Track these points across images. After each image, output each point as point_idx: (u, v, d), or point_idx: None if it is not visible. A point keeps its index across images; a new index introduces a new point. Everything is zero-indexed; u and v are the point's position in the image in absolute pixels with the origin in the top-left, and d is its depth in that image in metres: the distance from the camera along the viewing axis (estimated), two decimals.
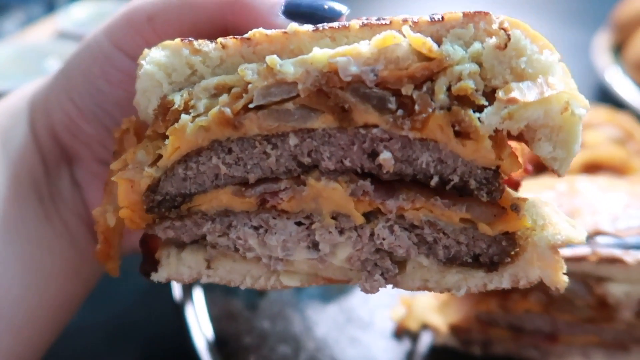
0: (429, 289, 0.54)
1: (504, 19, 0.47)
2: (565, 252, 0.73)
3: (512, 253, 0.51)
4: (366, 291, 0.54)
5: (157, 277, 0.59)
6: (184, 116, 0.51)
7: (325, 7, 0.56)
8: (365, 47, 0.47)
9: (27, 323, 0.63)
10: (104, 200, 0.58)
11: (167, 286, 0.96)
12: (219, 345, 0.87)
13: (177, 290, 0.92)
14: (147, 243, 0.59)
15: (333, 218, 0.52)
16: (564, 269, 0.50)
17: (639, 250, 0.71)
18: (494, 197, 0.49)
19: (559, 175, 0.47)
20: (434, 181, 0.49)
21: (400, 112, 0.47)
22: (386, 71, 0.47)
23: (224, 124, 0.50)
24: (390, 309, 0.96)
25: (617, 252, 0.71)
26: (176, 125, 0.51)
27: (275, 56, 0.49)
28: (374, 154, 0.49)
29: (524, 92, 0.45)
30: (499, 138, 0.46)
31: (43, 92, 0.66)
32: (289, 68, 0.49)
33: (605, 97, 1.62)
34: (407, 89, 0.47)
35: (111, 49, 0.61)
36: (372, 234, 0.52)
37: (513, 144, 0.51)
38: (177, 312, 0.89)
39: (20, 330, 0.62)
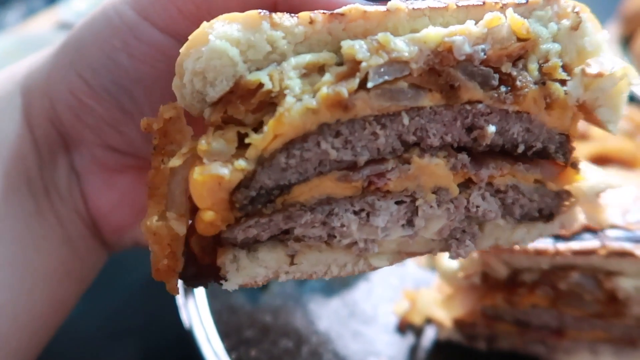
0: (499, 246, 0.59)
1: (574, 4, 0.53)
2: (574, 245, 0.71)
3: (567, 204, 0.59)
4: (458, 256, 0.57)
5: (229, 285, 0.52)
6: (289, 99, 0.46)
7: None
8: (475, 27, 0.50)
9: (13, 330, 0.58)
10: (153, 207, 0.49)
11: None
12: (220, 338, 0.86)
13: (179, 285, 0.90)
14: (191, 246, 0.51)
15: (433, 193, 0.53)
16: (606, 210, 0.61)
17: None
18: (567, 158, 0.56)
19: (613, 134, 0.55)
20: (520, 149, 0.54)
21: (503, 88, 0.51)
22: (492, 50, 0.50)
23: (336, 105, 0.47)
24: (393, 303, 0.94)
25: (628, 246, 0.69)
26: (280, 108, 0.46)
27: (388, 35, 0.48)
28: (472, 128, 0.52)
29: (603, 67, 0.51)
30: (576, 107, 0.53)
31: (42, 71, 0.60)
32: (403, 46, 0.48)
33: None
34: (506, 67, 0.51)
35: (136, 19, 0.55)
36: (467, 203, 0.55)
37: None
38: (177, 306, 0.88)
39: (6, 339, 0.58)
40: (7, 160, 0.59)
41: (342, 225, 0.52)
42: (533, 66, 0.52)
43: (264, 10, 0.48)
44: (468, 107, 0.51)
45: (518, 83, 0.51)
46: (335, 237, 0.53)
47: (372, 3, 0.50)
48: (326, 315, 0.93)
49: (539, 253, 0.71)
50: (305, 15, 0.49)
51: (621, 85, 0.52)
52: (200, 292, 0.91)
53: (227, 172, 0.46)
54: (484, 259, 0.75)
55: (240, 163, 0.47)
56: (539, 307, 0.77)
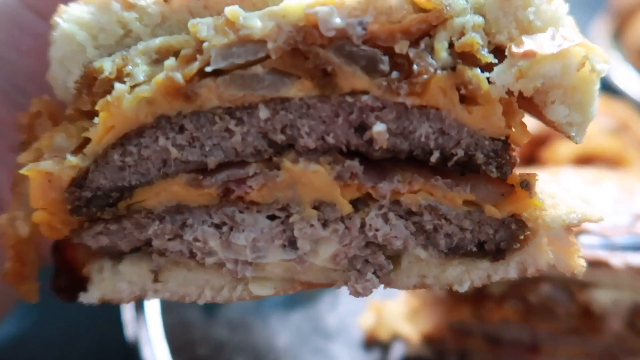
0: (427, 286, 0.47)
1: None
2: None
3: (521, 237, 0.44)
4: (357, 294, 0.46)
5: (87, 298, 0.47)
6: (118, 85, 0.41)
7: None
8: None
9: None
10: (13, 205, 0.45)
11: None
12: (172, 356, 0.80)
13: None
14: (62, 252, 0.47)
15: (315, 208, 0.44)
16: (580, 251, 0.44)
17: (627, 252, 0.63)
18: (505, 172, 0.42)
19: (576, 142, 0.42)
20: (434, 157, 0.42)
21: (394, 74, 0.39)
22: (376, 24, 0.39)
23: (173, 94, 0.40)
24: (359, 316, 0.88)
25: (603, 254, 0.63)
26: (108, 97, 0.41)
27: (237, 6, 0.40)
28: (362, 128, 0.41)
29: (540, 44, 0.39)
30: (509, 102, 0.40)
31: None
32: (255, 22, 0.40)
33: (603, 84, 1.54)
34: (401, 46, 0.39)
35: (20, 9, 0.52)
36: (362, 225, 0.44)
37: None
38: (127, 321, 0.83)
39: None
40: None
41: (197, 240, 0.45)
42: (440, 46, 0.40)
43: None
44: (350, 98, 0.40)
45: (415, 67, 0.39)
46: (195, 253, 0.45)
47: None
48: (287, 330, 0.87)
49: None
50: None
51: (583, 72, 0.38)
52: (153, 305, 0.86)
53: (57, 168, 0.42)
54: None
55: (73, 159, 0.42)
56: (510, 321, 0.71)
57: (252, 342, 0.85)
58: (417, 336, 0.80)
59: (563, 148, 1.08)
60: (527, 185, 0.43)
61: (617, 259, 0.62)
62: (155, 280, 0.48)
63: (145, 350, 0.80)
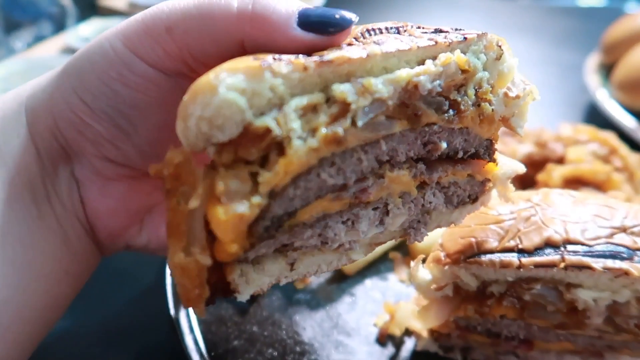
0: (441, 227, 0.72)
1: (497, 38, 0.66)
2: (536, 259, 0.76)
3: (487, 187, 0.73)
4: (416, 240, 0.69)
5: (242, 297, 0.59)
6: (296, 142, 0.53)
7: (337, 16, 0.58)
8: (433, 67, 0.60)
9: (14, 324, 0.63)
10: (177, 243, 0.53)
11: (159, 290, 1.00)
12: (208, 348, 0.90)
13: (170, 295, 0.96)
14: (217, 274, 0.55)
15: (400, 197, 0.65)
16: (513, 189, 0.75)
17: (605, 259, 0.74)
18: (491, 156, 0.71)
19: (520, 135, 0.72)
20: (460, 154, 0.68)
21: (451, 111, 0.63)
22: (444, 83, 0.62)
23: (332, 142, 0.55)
24: (375, 316, 0.99)
25: (586, 260, 0.74)
26: (289, 152, 0.52)
27: (371, 79, 0.56)
28: (427, 144, 0.64)
29: (520, 89, 0.68)
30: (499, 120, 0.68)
31: (45, 91, 0.66)
32: (383, 87, 0.57)
33: (597, 116, 1.66)
34: (454, 95, 0.63)
35: (128, 55, 0.62)
36: (423, 199, 0.67)
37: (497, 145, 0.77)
38: (169, 317, 0.92)
39: (7, 331, 0.63)
40: (12, 170, 0.64)
41: (335, 235, 0.61)
42: (471, 92, 0.65)
43: (263, 60, 0.53)
44: (426, 129, 0.63)
45: (462, 107, 0.64)
46: (327, 243, 0.62)
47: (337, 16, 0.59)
48: (310, 327, 0.97)
49: (504, 266, 0.76)
50: (299, 62, 0.54)
51: (527, 102, 0.69)
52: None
53: (247, 209, 0.52)
54: (454, 272, 0.80)
55: (256, 199, 0.52)
56: (507, 318, 0.81)
57: (280, 336, 0.94)
58: (426, 332, 0.91)
59: (557, 171, 1.20)
60: (494, 160, 0.72)
61: (598, 264, 0.74)
62: (292, 269, 0.62)
63: (187, 339, 0.90)
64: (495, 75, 0.67)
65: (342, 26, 0.58)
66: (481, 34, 0.65)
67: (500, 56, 0.66)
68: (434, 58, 0.61)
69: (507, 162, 0.75)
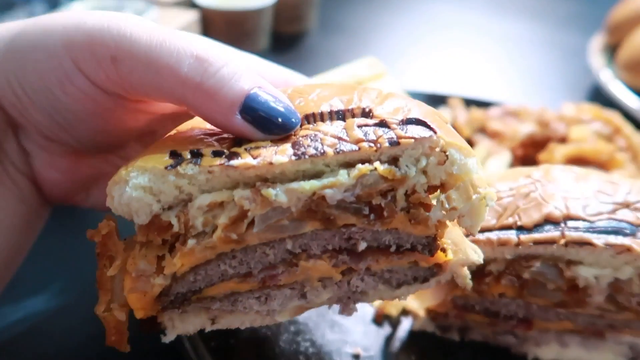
0: (384, 299, 0.71)
1: (443, 143, 0.59)
2: (536, 236, 0.74)
3: (439, 272, 0.69)
4: (344, 314, 0.70)
5: (167, 339, 0.66)
6: (190, 241, 0.58)
7: (279, 120, 0.58)
8: (345, 178, 0.57)
9: None
10: (103, 296, 0.62)
11: None
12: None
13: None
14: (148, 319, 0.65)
15: (319, 280, 0.65)
16: (469, 275, 0.70)
17: (608, 235, 0.72)
18: (432, 253, 0.65)
19: (473, 235, 0.69)
20: (392, 248, 0.64)
21: (372, 216, 0.60)
22: (361, 192, 0.58)
23: (228, 242, 0.58)
24: None
25: (587, 236, 0.72)
26: (184, 249, 0.58)
27: (270, 189, 0.56)
28: (350, 239, 0.62)
29: (458, 200, 0.60)
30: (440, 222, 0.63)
31: None
32: (282, 198, 0.56)
33: (600, 98, 1.63)
34: (376, 200, 0.59)
35: (71, 67, 0.60)
36: (348, 283, 0.66)
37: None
38: None
39: None
40: None
41: (245, 307, 0.65)
42: (400, 197, 0.60)
43: (171, 163, 0.56)
44: (344, 229, 0.61)
45: (385, 213, 0.60)
46: (241, 310, 0.66)
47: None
48: None
49: (503, 243, 0.74)
50: (205, 166, 0.56)
51: (480, 205, 0.61)
52: None
53: (149, 287, 0.60)
54: None
55: (159, 280, 0.59)
56: (506, 296, 0.80)
57: None
58: (423, 312, 0.89)
59: (559, 151, 1.17)
60: (444, 250, 0.67)
61: (600, 240, 0.71)
62: (212, 322, 0.67)
63: None
64: (441, 175, 0.60)
65: (283, 130, 0.58)
66: (421, 138, 0.58)
67: (444, 161, 0.59)
68: (363, 162, 0.58)
69: (465, 246, 0.69)
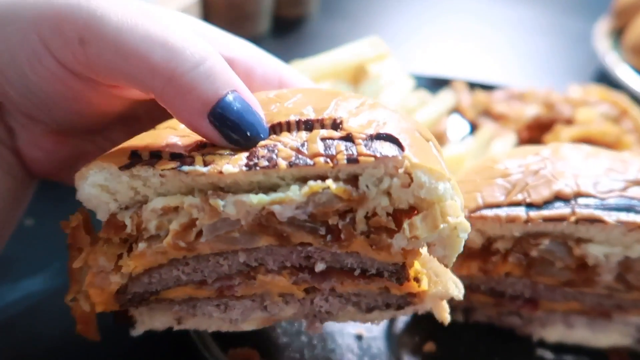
0: (355, 321, 0.68)
1: (407, 164, 0.53)
2: (545, 212, 0.73)
3: (414, 301, 0.65)
4: (310, 332, 0.68)
5: (136, 332, 0.67)
6: (141, 245, 0.58)
7: (247, 133, 0.56)
8: (296, 195, 0.54)
9: None
10: (73, 286, 0.62)
11: None
12: None
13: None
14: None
15: (280, 296, 0.63)
16: (448, 310, 0.67)
17: (619, 212, 0.70)
18: (401, 282, 0.61)
19: (448, 268, 0.62)
20: (356, 272, 0.61)
21: (329, 237, 0.57)
22: (315, 210, 0.55)
23: (178, 249, 0.58)
24: None
25: (598, 213, 0.70)
26: (135, 251, 0.58)
27: (218, 200, 0.54)
28: (308, 259, 0.60)
29: (423, 229, 0.55)
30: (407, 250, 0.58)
31: None
32: (231, 209, 0.54)
33: (606, 82, 1.61)
34: (333, 220, 0.56)
35: (39, 46, 0.57)
36: (312, 302, 0.64)
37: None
38: None
39: None
40: None
41: (204, 313, 0.65)
42: (360, 220, 0.56)
43: (127, 163, 0.56)
44: (300, 247, 0.59)
45: (342, 236, 0.56)
46: (202, 315, 0.66)
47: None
48: None
49: (511, 220, 0.73)
50: (158, 169, 0.55)
51: (451, 236, 0.55)
52: None
53: (107, 284, 0.60)
54: None
55: (115, 279, 0.60)
56: (512, 275, 0.78)
57: None
58: None
59: (565, 133, 1.15)
60: (417, 280, 0.63)
61: (611, 217, 0.70)
62: (178, 323, 0.67)
63: None
64: (409, 199, 0.55)
65: (248, 143, 0.56)
66: (384, 157, 0.53)
67: (409, 184, 0.54)
68: (320, 178, 0.54)
69: (446, 278, 0.65)
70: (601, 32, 1.75)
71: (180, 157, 0.55)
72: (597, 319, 0.83)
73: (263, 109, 0.59)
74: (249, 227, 0.56)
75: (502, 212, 0.74)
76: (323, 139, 0.55)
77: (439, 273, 0.65)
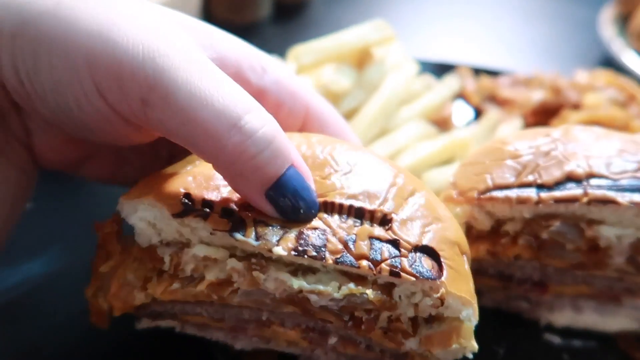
0: None
1: (443, 292, 0.56)
2: (557, 194, 0.71)
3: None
4: None
5: (140, 326, 0.70)
6: (175, 285, 0.62)
7: (300, 210, 0.56)
8: (335, 292, 0.56)
9: None
10: (94, 282, 0.65)
11: None
12: None
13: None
14: None
15: (286, 341, 0.67)
16: None
17: (632, 193, 0.69)
18: None
19: None
20: (361, 346, 0.64)
21: (350, 323, 0.60)
22: (346, 306, 0.58)
23: (210, 297, 0.61)
24: None
25: (610, 194, 0.69)
26: (166, 286, 0.62)
27: (260, 274, 0.57)
28: (323, 330, 0.64)
29: (436, 346, 0.60)
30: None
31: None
32: (270, 285, 0.58)
33: (611, 68, 1.60)
34: (359, 313, 0.59)
35: (92, 89, 0.54)
36: (312, 352, 0.67)
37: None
38: None
39: None
40: None
41: (212, 337, 0.69)
42: (383, 319, 0.60)
43: (180, 211, 0.57)
44: (320, 322, 0.62)
45: (363, 327, 0.59)
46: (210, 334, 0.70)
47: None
48: None
49: (522, 202, 0.71)
50: (209, 226, 0.57)
51: (458, 354, 0.61)
52: None
53: (131, 299, 0.64)
54: (467, 211, 0.75)
55: (140, 296, 0.63)
56: (522, 258, 0.77)
57: None
58: None
59: (572, 118, 1.14)
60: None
61: (624, 198, 0.68)
62: (182, 329, 0.70)
63: None
64: (428, 313, 0.59)
65: (300, 218, 0.57)
66: (424, 280, 0.56)
67: (439, 307, 0.58)
68: (359, 277, 0.57)
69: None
70: (606, 18, 1.73)
71: (231, 215, 0.57)
72: (606, 303, 0.81)
73: (314, 171, 0.61)
74: (281, 299, 0.60)
75: (513, 193, 0.72)
76: (371, 238, 0.57)
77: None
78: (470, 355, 0.61)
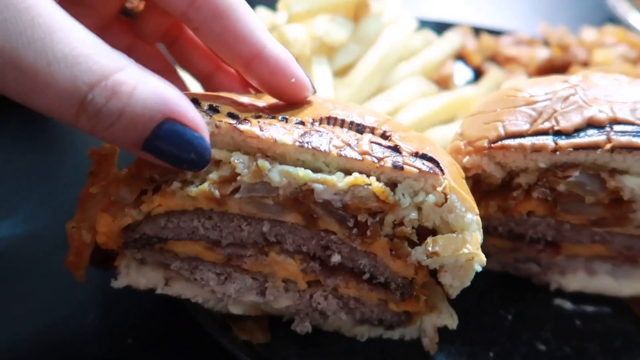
0: (340, 332, 0.70)
1: (447, 185, 0.57)
2: (577, 141, 0.65)
3: (407, 322, 0.68)
4: (297, 330, 0.68)
5: (117, 284, 0.66)
6: (175, 183, 0.58)
7: (192, 156, 0.52)
8: (340, 182, 0.56)
9: None
10: (79, 214, 0.61)
11: None
12: None
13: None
14: (105, 248, 0.63)
15: (283, 281, 0.64)
16: (436, 339, 0.68)
17: None
18: (405, 298, 0.64)
19: (451, 297, 0.64)
20: (365, 276, 0.63)
21: (355, 230, 0.59)
22: (350, 202, 0.57)
23: (210, 199, 0.58)
24: None
25: (636, 140, 0.62)
26: (167, 189, 0.58)
27: (266, 162, 0.56)
28: (326, 248, 0.62)
29: (444, 249, 0.58)
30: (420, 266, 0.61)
31: None
32: (275, 175, 0.56)
33: (618, 21, 1.54)
34: (363, 217, 0.59)
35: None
36: (310, 297, 0.65)
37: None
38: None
39: None
40: None
41: (202, 279, 0.65)
42: (388, 223, 0.59)
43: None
44: (323, 234, 0.60)
45: (368, 232, 0.58)
46: (197, 281, 0.65)
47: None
48: None
49: (537, 150, 0.65)
50: (214, 119, 0.57)
51: (467, 265, 0.58)
52: None
53: (121, 215, 0.60)
54: (476, 162, 0.69)
55: (132, 212, 0.60)
56: (535, 214, 0.71)
57: None
58: None
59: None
60: (417, 298, 0.64)
61: None
62: (166, 284, 0.67)
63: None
64: (436, 219, 0.59)
65: (195, 167, 0.53)
66: (426, 171, 0.56)
67: (442, 204, 0.57)
68: (361, 172, 0.57)
69: (443, 306, 0.67)
70: None
71: (236, 117, 0.57)
72: (622, 265, 0.76)
73: (312, 112, 0.62)
74: (284, 198, 0.58)
75: (527, 141, 0.66)
76: (372, 142, 0.58)
77: (438, 302, 0.67)
78: (479, 268, 0.58)
